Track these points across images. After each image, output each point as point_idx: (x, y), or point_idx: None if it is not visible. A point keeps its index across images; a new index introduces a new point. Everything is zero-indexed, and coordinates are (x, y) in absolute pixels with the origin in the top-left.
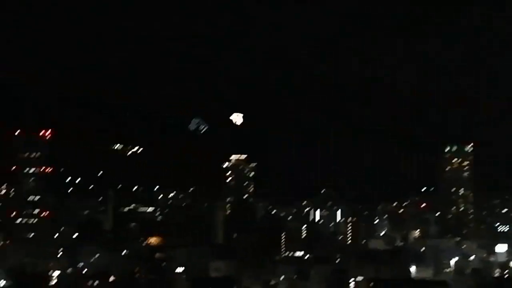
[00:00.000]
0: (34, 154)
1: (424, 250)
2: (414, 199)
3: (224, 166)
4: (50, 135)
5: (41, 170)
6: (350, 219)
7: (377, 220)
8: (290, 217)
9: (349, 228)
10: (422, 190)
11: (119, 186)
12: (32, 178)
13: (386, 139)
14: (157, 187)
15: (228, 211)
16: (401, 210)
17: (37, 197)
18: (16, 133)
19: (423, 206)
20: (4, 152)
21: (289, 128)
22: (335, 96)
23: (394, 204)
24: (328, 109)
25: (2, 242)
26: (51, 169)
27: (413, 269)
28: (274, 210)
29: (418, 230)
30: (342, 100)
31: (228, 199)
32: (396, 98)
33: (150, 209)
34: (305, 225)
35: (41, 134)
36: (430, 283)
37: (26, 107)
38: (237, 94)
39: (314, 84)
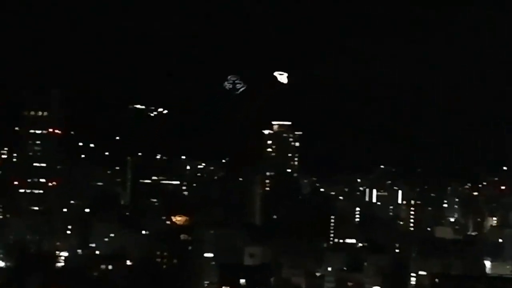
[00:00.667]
0: (41, 112)
1: (502, 242)
2: (491, 180)
3: (265, 133)
4: (60, 92)
5: (49, 131)
6: (413, 201)
7: (446, 204)
8: (341, 197)
9: (412, 212)
10: (503, 169)
11: (140, 153)
12: (39, 141)
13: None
14: (184, 156)
15: (268, 187)
16: (476, 193)
17: (44, 164)
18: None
19: (503, 189)
20: (6, 109)
21: (341, 92)
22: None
23: (467, 186)
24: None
25: (2, 216)
26: (60, 131)
27: (488, 263)
28: (322, 188)
29: (496, 217)
30: None
31: (267, 173)
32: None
33: (175, 182)
34: (359, 207)
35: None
36: (508, 281)
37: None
38: (281, 48)
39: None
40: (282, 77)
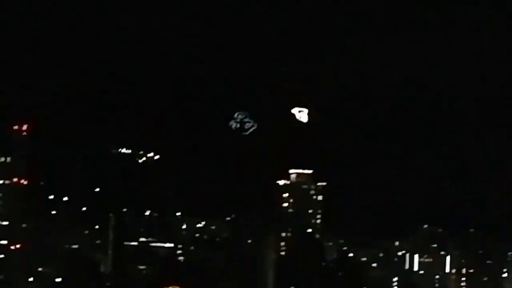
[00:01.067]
0: (3, 158)
1: None
2: None
3: (280, 184)
4: (29, 131)
5: (13, 181)
6: (464, 270)
7: (506, 273)
8: (375, 264)
9: (463, 283)
10: None
11: (125, 209)
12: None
13: None
14: (180, 213)
15: (284, 252)
16: None
17: (5, 222)
18: None
19: None
20: None
21: (374, 133)
22: None
23: None
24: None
25: None
26: (26, 180)
27: None
28: (351, 253)
29: None
30: None
31: (283, 234)
32: None
33: (169, 244)
34: (397, 277)
35: (16, 128)
36: None
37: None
38: (302, 83)
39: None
40: (302, 115)
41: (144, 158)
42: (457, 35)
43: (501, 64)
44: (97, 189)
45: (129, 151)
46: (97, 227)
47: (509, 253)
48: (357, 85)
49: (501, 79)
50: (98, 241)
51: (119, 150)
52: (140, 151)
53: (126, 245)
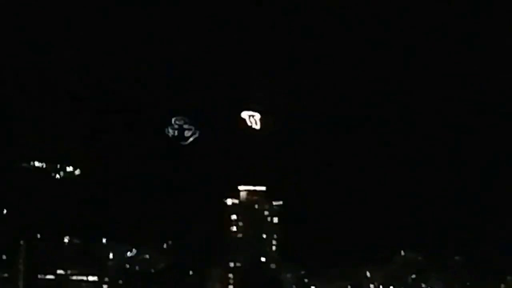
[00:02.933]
0: None
1: None
2: None
3: (228, 203)
4: None
5: None
6: None
7: None
8: None
9: None
10: None
11: (39, 235)
12: None
13: None
14: (106, 239)
15: (232, 285)
16: None
17: None
18: None
19: None
20: None
21: (341, 143)
22: None
23: None
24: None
25: None
26: None
27: None
28: (313, 286)
29: None
30: None
31: (232, 264)
32: None
33: (92, 278)
34: None
35: None
36: None
37: None
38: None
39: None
40: (253, 120)
41: (61, 173)
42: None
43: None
44: (4, 211)
45: (43, 164)
46: (4, 257)
47: (502, 286)
48: (320, 86)
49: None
50: (5, 275)
51: (31, 163)
52: (56, 164)
53: (41, 279)
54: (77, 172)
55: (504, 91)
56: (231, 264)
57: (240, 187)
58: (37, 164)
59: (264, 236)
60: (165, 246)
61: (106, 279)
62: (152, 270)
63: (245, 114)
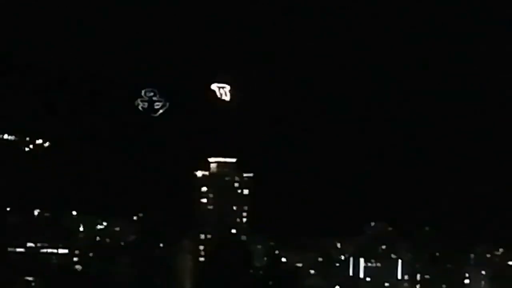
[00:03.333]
0: None
1: None
2: None
3: (198, 175)
4: None
5: None
6: (419, 276)
7: (468, 279)
8: (312, 270)
9: None
10: None
11: (8, 208)
12: None
13: None
14: (75, 211)
15: (203, 256)
16: None
17: None
18: None
19: None
20: None
21: (310, 116)
22: None
23: (500, 251)
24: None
25: None
26: None
27: None
28: (284, 258)
29: None
30: None
31: (202, 236)
32: None
33: (63, 250)
34: (339, 285)
35: None
36: None
37: None
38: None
39: None
40: (223, 91)
41: (31, 146)
42: None
43: None
44: None
45: (13, 137)
46: None
47: (471, 255)
48: (290, 56)
49: None
50: None
51: (0, 136)
52: (26, 137)
53: (11, 251)
54: (47, 144)
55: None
56: (202, 236)
57: (210, 159)
58: (6, 136)
59: (235, 207)
60: (135, 218)
61: (76, 252)
62: (122, 243)
63: (214, 86)
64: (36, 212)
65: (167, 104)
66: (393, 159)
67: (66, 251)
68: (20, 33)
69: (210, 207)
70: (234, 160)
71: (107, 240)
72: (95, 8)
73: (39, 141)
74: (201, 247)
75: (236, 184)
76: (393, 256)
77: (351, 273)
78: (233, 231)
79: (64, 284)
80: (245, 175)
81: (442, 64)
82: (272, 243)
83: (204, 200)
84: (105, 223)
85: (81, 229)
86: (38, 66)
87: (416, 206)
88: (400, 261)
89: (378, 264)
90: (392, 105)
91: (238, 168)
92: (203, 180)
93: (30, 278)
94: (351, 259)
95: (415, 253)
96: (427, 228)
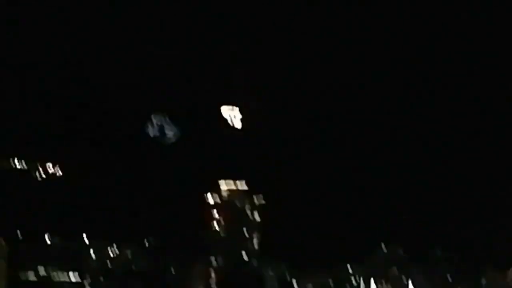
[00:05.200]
0: None
1: None
2: None
3: (209, 200)
4: None
5: None
6: None
7: None
8: None
9: None
10: None
11: (18, 233)
12: None
13: None
14: (86, 237)
15: (215, 283)
16: None
17: None
18: None
19: None
20: None
21: (324, 136)
22: None
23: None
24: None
25: None
26: None
27: None
28: (296, 283)
29: None
30: None
31: (214, 261)
32: None
33: (73, 275)
34: None
35: None
36: None
37: None
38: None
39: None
40: (233, 114)
41: (42, 173)
42: None
43: None
44: None
45: (23, 164)
46: None
47: (483, 279)
48: (302, 80)
49: None
50: None
51: (11, 163)
52: (37, 163)
53: (23, 280)
54: (58, 171)
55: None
56: (213, 262)
57: (221, 184)
58: (17, 163)
59: (246, 233)
60: (146, 244)
61: (88, 278)
62: (134, 268)
63: (224, 109)
64: (47, 238)
65: (178, 132)
66: (405, 182)
67: (77, 277)
68: (32, 56)
69: (221, 232)
70: (245, 184)
71: (118, 266)
72: (107, 34)
73: (50, 168)
74: (212, 273)
75: (247, 209)
76: (404, 279)
77: None
78: (245, 256)
79: None
80: (256, 199)
81: None
82: (283, 268)
83: (215, 225)
84: (116, 249)
85: (92, 254)
86: (51, 93)
87: (428, 229)
88: (411, 284)
89: (389, 287)
90: (407, 125)
91: (249, 192)
92: (214, 206)
93: None
94: (362, 282)
95: (427, 276)
96: (439, 251)
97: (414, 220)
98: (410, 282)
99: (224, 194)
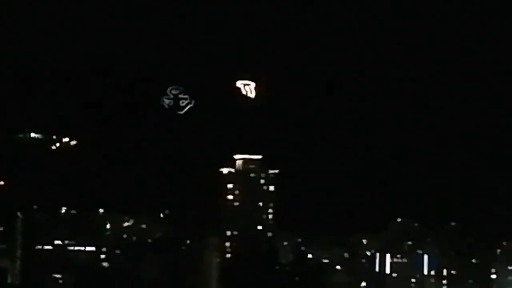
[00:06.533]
0: None
1: None
2: None
3: (224, 172)
4: None
5: None
6: (445, 271)
7: (495, 275)
8: (339, 266)
9: (444, 286)
10: None
11: (34, 205)
12: None
13: None
14: (102, 209)
15: (230, 253)
16: None
17: None
18: None
19: None
20: None
21: (337, 110)
22: None
23: None
24: None
25: None
26: None
27: None
28: (310, 254)
29: None
30: None
31: (229, 232)
32: None
33: (90, 248)
34: (366, 281)
35: None
36: None
37: None
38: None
39: None
40: (249, 88)
41: (58, 144)
42: None
43: None
44: (1, 183)
45: (40, 135)
46: (1, 229)
47: (498, 251)
48: (316, 53)
49: None
50: (3, 246)
51: (27, 134)
52: (53, 135)
53: (38, 249)
54: (73, 142)
55: None
56: (228, 233)
57: (236, 156)
58: (33, 135)
59: (261, 204)
60: (161, 215)
61: (103, 249)
62: (149, 240)
63: (240, 83)
64: (63, 210)
65: (192, 101)
66: (419, 156)
67: (93, 248)
68: (47, 31)
69: (236, 204)
70: (259, 156)
71: (134, 237)
72: (122, 8)
73: (66, 139)
74: (227, 244)
75: (262, 181)
76: (419, 251)
77: (377, 269)
78: (259, 227)
79: (91, 281)
80: (270, 171)
81: None
82: (298, 240)
83: (230, 197)
84: (131, 221)
85: (108, 226)
86: (67, 67)
87: (442, 201)
88: (426, 256)
89: (404, 260)
90: (419, 103)
91: (263, 164)
92: (229, 177)
93: (58, 276)
94: (377, 255)
95: (441, 248)
96: (453, 223)
97: (428, 194)
98: (425, 254)
99: (239, 166)
